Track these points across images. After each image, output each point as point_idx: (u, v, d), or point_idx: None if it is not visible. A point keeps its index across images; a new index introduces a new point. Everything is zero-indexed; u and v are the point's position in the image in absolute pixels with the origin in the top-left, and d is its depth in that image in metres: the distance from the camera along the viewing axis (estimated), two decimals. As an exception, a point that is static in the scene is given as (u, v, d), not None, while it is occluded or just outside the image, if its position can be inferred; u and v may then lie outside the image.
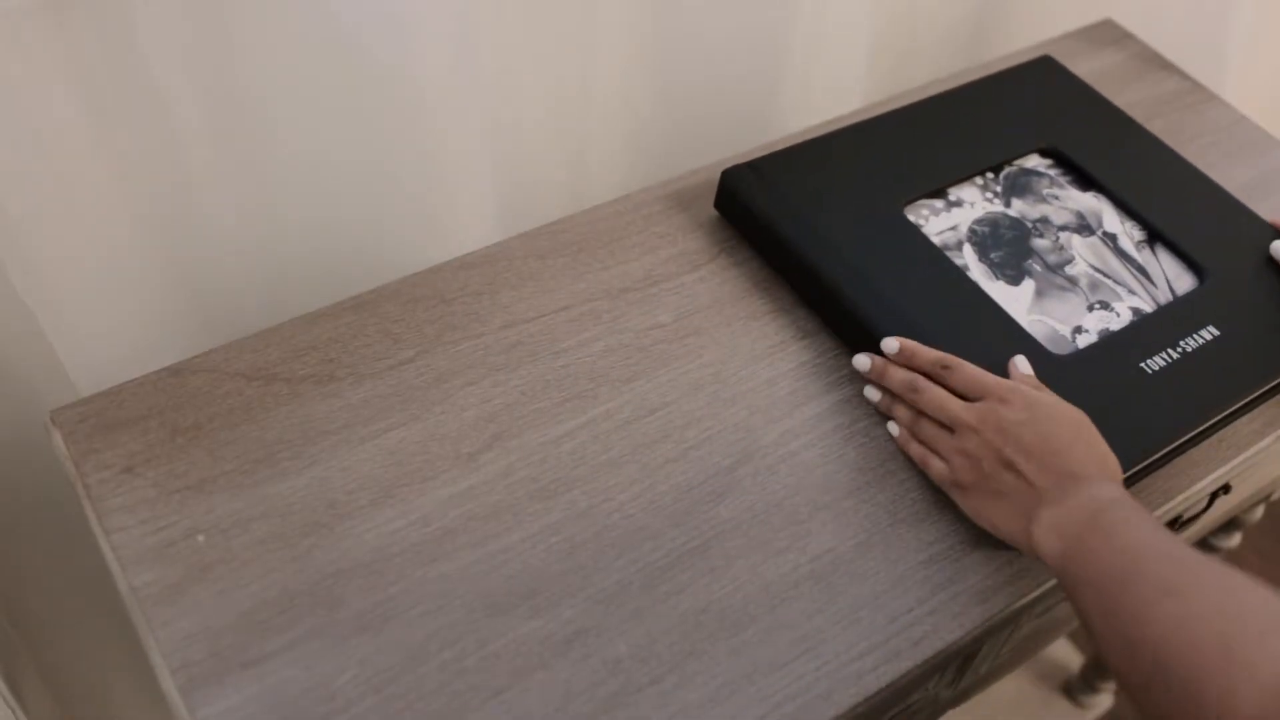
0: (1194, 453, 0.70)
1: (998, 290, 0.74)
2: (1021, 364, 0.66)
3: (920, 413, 0.66)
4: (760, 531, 0.63)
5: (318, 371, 0.67)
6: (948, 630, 0.60)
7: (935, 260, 0.74)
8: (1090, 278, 0.75)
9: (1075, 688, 1.36)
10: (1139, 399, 0.68)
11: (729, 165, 0.78)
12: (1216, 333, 0.71)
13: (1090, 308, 0.73)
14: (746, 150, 0.81)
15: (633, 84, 0.90)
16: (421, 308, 0.71)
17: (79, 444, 0.62)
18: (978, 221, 0.78)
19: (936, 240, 0.76)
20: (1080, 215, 0.79)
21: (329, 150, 0.77)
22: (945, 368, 0.65)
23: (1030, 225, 0.78)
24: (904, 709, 0.67)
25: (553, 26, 0.81)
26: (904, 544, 0.63)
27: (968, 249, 0.76)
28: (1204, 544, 1.12)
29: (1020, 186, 0.80)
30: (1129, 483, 0.66)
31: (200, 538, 0.59)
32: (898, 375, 0.66)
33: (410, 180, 0.82)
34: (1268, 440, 0.72)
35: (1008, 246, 0.77)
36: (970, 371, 0.64)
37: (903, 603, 0.61)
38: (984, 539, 0.64)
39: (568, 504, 0.63)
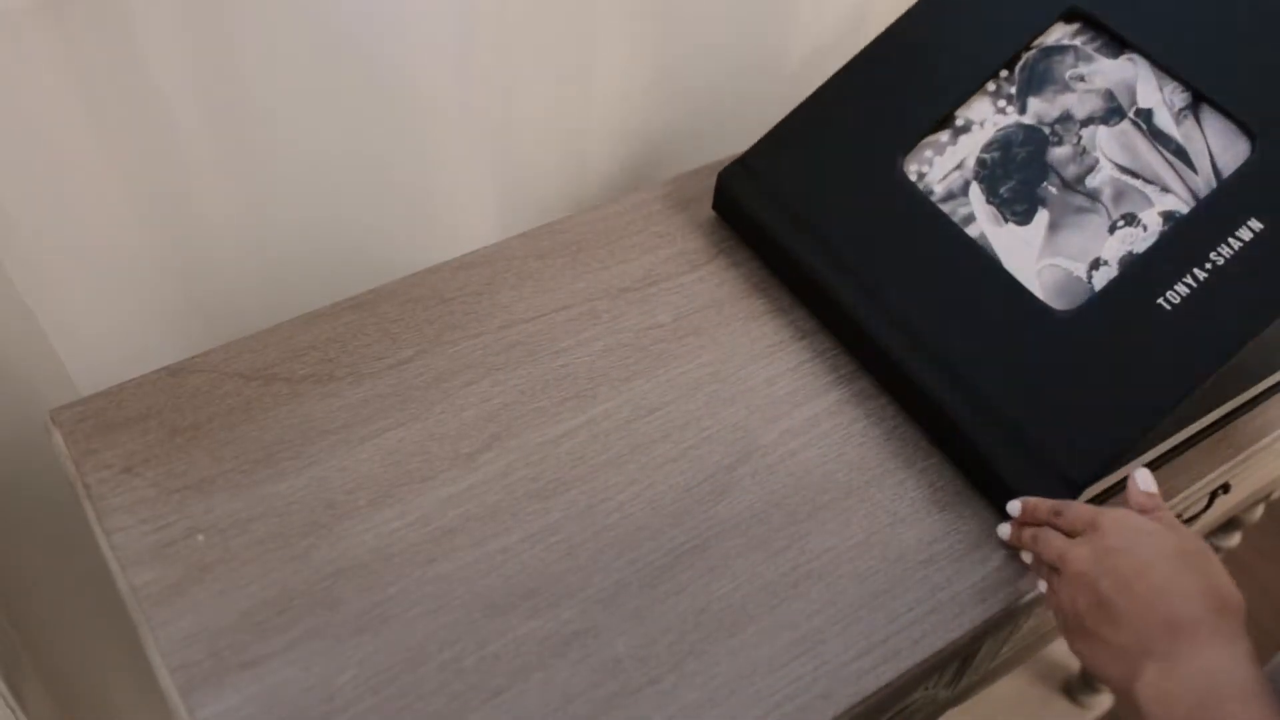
0: (1193, 452, 0.70)
1: (1005, 238, 0.69)
2: (1143, 481, 0.61)
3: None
4: (759, 531, 0.63)
5: (317, 371, 0.67)
6: (947, 630, 0.60)
7: (933, 227, 0.70)
8: (1115, 185, 0.68)
9: (1075, 688, 1.36)
10: (1152, 351, 0.63)
11: (728, 164, 0.78)
12: (1259, 227, 0.63)
13: (1113, 227, 0.67)
14: (747, 150, 0.81)
15: (633, 84, 0.90)
16: (421, 308, 0.71)
17: (79, 444, 0.62)
18: (987, 147, 0.72)
19: (940, 189, 0.72)
20: (1109, 95, 0.69)
21: (329, 150, 0.77)
22: (1056, 514, 0.61)
23: (1048, 131, 0.70)
24: (903, 709, 0.67)
25: (553, 26, 0.81)
26: (904, 544, 0.63)
27: (974, 191, 0.71)
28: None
29: (1040, 76, 0.72)
30: (1135, 454, 0.65)
31: (200, 538, 0.59)
32: (1024, 535, 0.63)
33: (410, 180, 0.82)
34: (1268, 439, 0.72)
35: (1020, 171, 0.70)
36: (1076, 512, 0.60)
37: (903, 603, 0.61)
38: (984, 539, 0.64)
39: (567, 504, 0.63)
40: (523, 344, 0.70)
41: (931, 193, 0.72)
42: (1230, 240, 0.63)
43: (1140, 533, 0.56)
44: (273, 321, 0.70)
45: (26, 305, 0.71)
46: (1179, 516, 0.75)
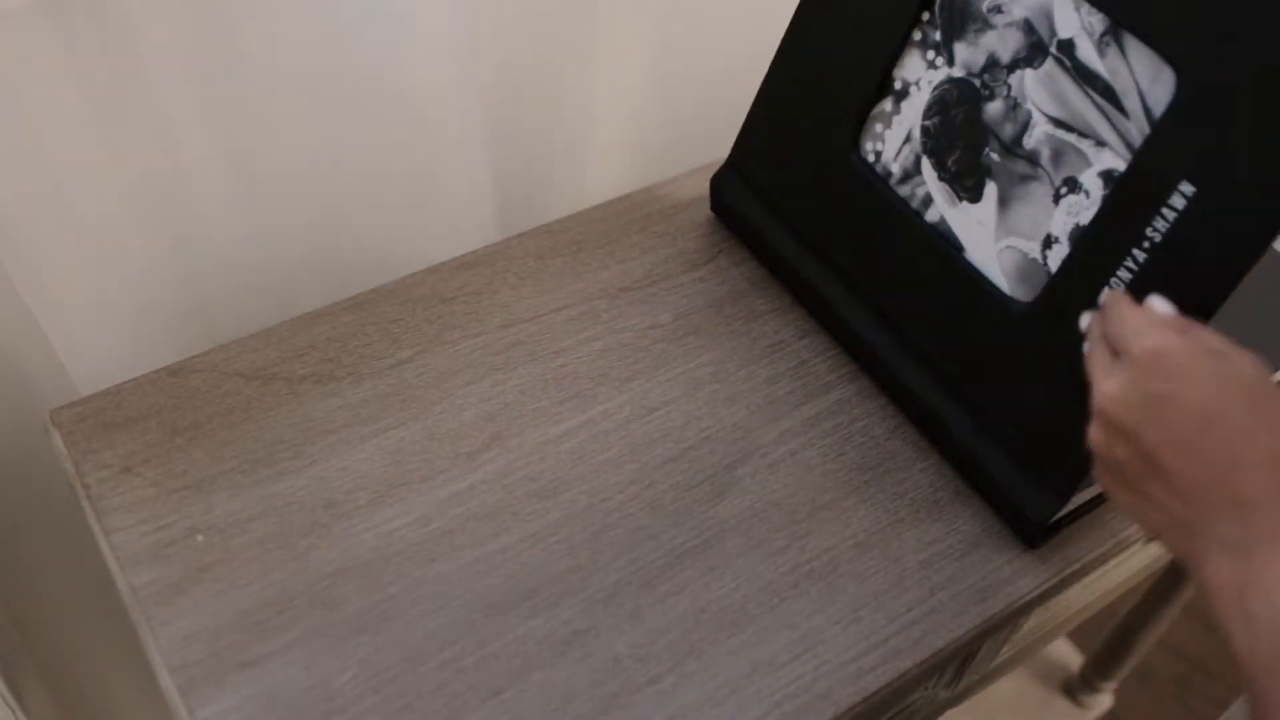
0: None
1: (962, 220, 0.64)
2: (1158, 304, 0.51)
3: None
4: (759, 531, 0.63)
5: (317, 371, 0.67)
6: (947, 630, 0.60)
7: (893, 219, 0.67)
8: (1051, 143, 0.61)
9: (1075, 688, 1.36)
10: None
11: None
12: (1191, 191, 0.54)
13: (1057, 196, 0.61)
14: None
15: (633, 84, 0.90)
16: (421, 307, 0.71)
17: (78, 444, 0.62)
18: (927, 112, 0.66)
19: (896, 169, 0.68)
20: (1028, 26, 0.61)
21: (329, 150, 0.77)
22: (1106, 316, 0.51)
23: (978, 84, 0.63)
24: (903, 708, 0.67)
25: (552, 26, 0.81)
26: (904, 544, 0.63)
27: (926, 167, 0.66)
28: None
29: (959, 13, 0.64)
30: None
31: (199, 537, 0.59)
32: (1090, 328, 0.54)
33: (410, 180, 0.82)
34: (1267, 440, 0.72)
35: (961, 138, 0.65)
36: (1116, 321, 0.49)
37: (903, 602, 0.61)
38: (984, 539, 0.64)
39: (567, 504, 0.63)
40: (523, 344, 0.70)
41: (889, 175, 0.68)
42: (1164, 211, 0.55)
43: (1199, 365, 0.44)
44: (273, 321, 0.70)
45: (26, 305, 0.71)
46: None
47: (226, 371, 0.66)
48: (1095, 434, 0.48)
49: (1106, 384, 0.48)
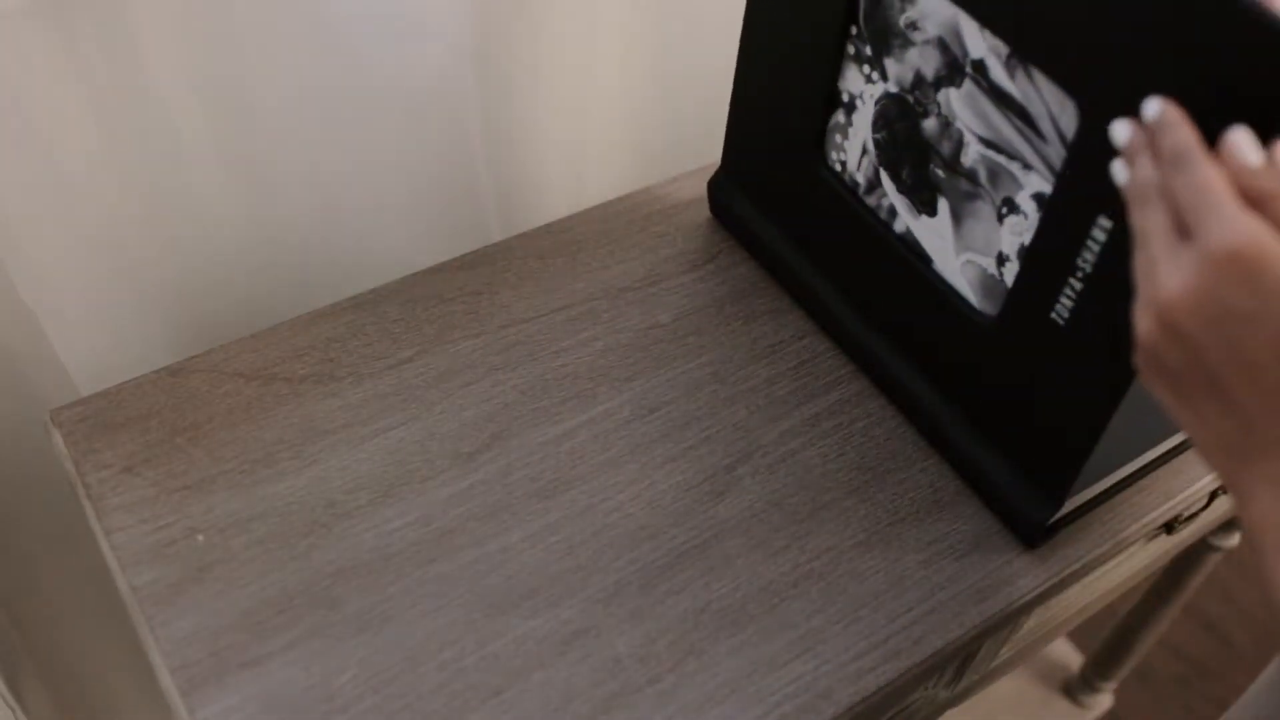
0: (1194, 451, 0.70)
1: (925, 231, 0.63)
2: (1249, 153, 0.41)
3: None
4: (760, 531, 0.63)
5: (317, 371, 0.67)
6: (947, 630, 0.60)
7: (863, 229, 0.67)
8: (986, 163, 0.58)
9: (1075, 688, 1.36)
10: (1064, 370, 0.55)
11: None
12: (1109, 226, 0.52)
13: (1000, 215, 0.59)
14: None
15: (633, 84, 0.90)
16: (421, 307, 0.71)
17: (79, 444, 0.62)
18: (874, 126, 0.64)
19: (860, 180, 0.66)
20: (943, 44, 0.58)
21: (329, 150, 0.77)
22: (1174, 168, 0.42)
23: (912, 100, 0.61)
24: (903, 708, 0.67)
25: (552, 26, 0.81)
26: (904, 544, 0.63)
27: (885, 180, 0.65)
28: (1204, 543, 1.12)
29: (881, 28, 0.61)
30: (1118, 461, 0.62)
31: (200, 537, 0.59)
32: (1135, 173, 0.45)
33: (410, 180, 0.82)
34: (1267, 440, 0.72)
35: (908, 153, 0.63)
36: (1191, 182, 0.41)
37: (903, 602, 0.61)
38: (984, 539, 0.64)
39: (567, 503, 0.63)
40: (523, 344, 0.70)
41: (856, 185, 0.67)
42: (1089, 243, 0.53)
43: (1239, 300, 0.38)
44: (273, 321, 0.70)
45: (26, 305, 0.71)
46: (1177, 518, 0.75)
47: (226, 371, 0.66)
48: (1148, 331, 0.41)
49: (1173, 280, 0.39)
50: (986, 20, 0.55)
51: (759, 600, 0.60)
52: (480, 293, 0.72)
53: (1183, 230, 0.41)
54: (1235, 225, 0.39)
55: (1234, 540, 1.13)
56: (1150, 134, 0.44)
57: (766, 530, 0.63)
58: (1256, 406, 0.39)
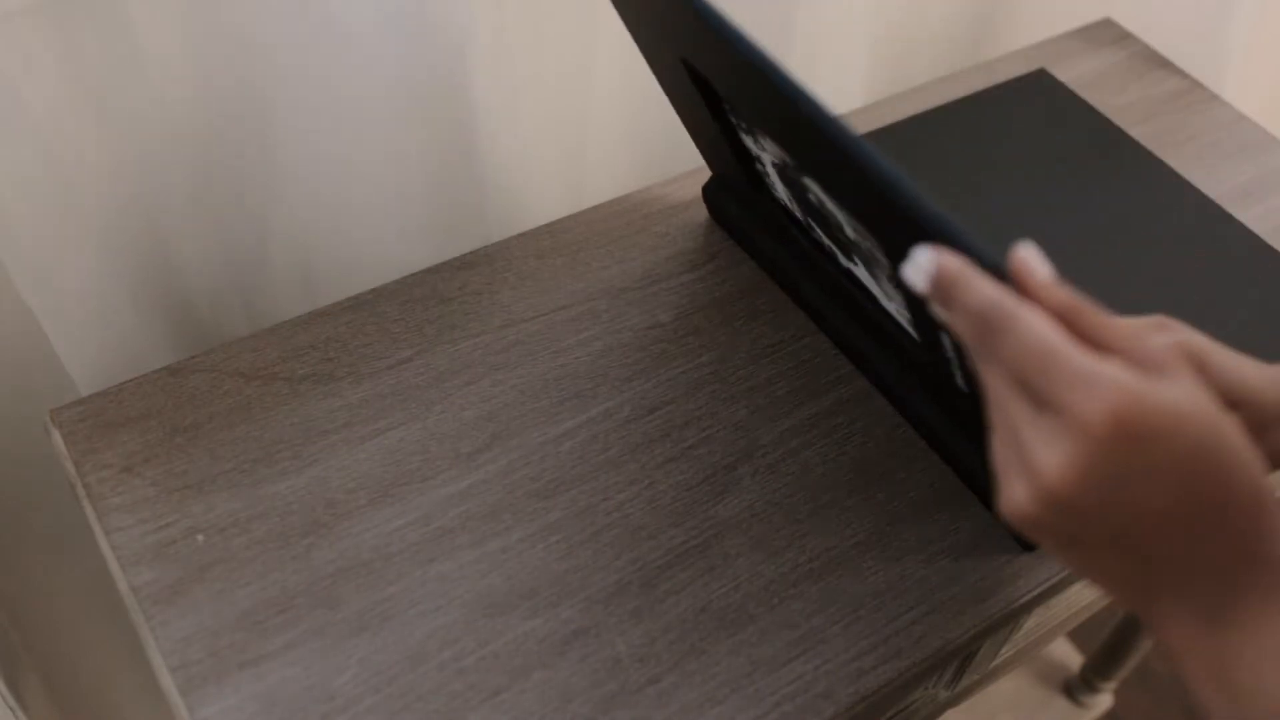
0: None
1: (860, 273, 0.62)
2: (1023, 259, 0.38)
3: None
4: (760, 530, 0.63)
5: (317, 371, 0.67)
6: (947, 630, 0.60)
7: (817, 254, 0.67)
8: (857, 236, 0.57)
9: (1075, 687, 1.36)
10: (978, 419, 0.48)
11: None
12: (956, 346, 0.50)
13: (891, 277, 0.56)
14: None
15: (633, 83, 0.90)
16: (421, 307, 0.71)
17: (79, 443, 0.62)
18: (779, 180, 0.63)
19: (802, 219, 0.66)
20: None
21: (329, 149, 0.77)
22: (989, 332, 0.38)
23: (784, 164, 0.60)
24: (903, 708, 0.67)
25: (552, 26, 0.81)
26: (904, 544, 0.63)
27: (814, 225, 0.64)
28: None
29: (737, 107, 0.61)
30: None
31: (200, 537, 0.59)
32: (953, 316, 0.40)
33: (410, 179, 0.82)
34: (1267, 439, 0.72)
35: (812, 212, 0.62)
36: (1028, 348, 0.36)
37: (903, 602, 0.61)
38: (984, 539, 0.64)
39: (567, 503, 0.63)
40: (523, 343, 0.70)
41: (799, 221, 0.67)
42: (946, 352, 0.52)
43: (1176, 423, 0.35)
44: (273, 321, 0.70)
45: (26, 305, 0.71)
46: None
47: (226, 371, 0.66)
48: (1029, 506, 0.37)
49: (1051, 460, 0.36)
50: (788, 149, 0.55)
51: (759, 600, 0.60)
52: (480, 293, 0.72)
53: (1035, 397, 0.37)
54: (1097, 390, 0.35)
55: (1234, 540, 1.13)
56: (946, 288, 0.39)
57: (766, 530, 0.63)
58: (1163, 550, 0.37)
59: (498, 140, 0.85)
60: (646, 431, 0.66)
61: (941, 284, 0.38)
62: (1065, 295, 0.38)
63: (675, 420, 0.67)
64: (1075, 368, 0.35)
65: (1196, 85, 0.94)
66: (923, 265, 0.39)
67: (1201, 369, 0.45)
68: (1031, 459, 0.36)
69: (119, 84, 0.66)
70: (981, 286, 0.37)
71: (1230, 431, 0.36)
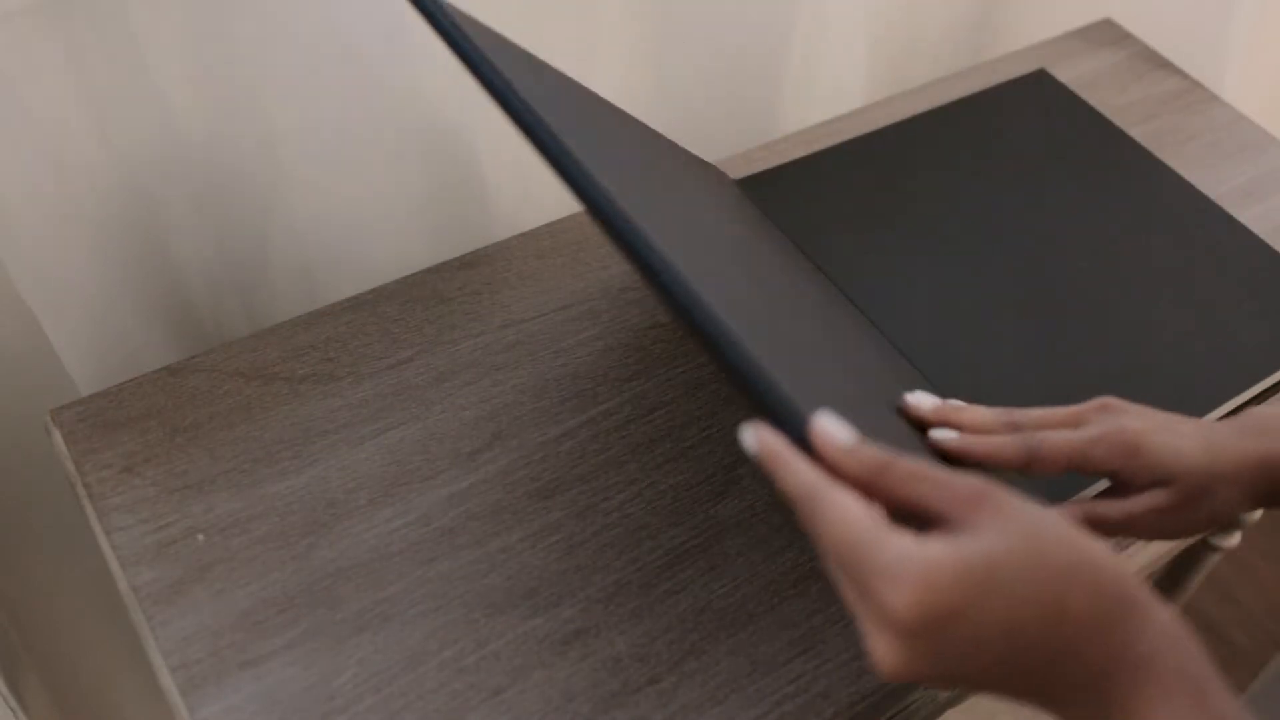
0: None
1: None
2: (834, 434, 0.39)
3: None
4: (759, 530, 0.63)
5: (317, 371, 0.67)
6: (947, 629, 0.60)
7: None
8: None
9: (1076, 688, 1.36)
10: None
11: (730, 161, 0.78)
12: None
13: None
14: (747, 149, 0.81)
15: (633, 83, 0.90)
16: (421, 307, 0.71)
17: (79, 443, 0.62)
18: None
19: None
20: None
21: (328, 150, 0.77)
22: (803, 513, 0.39)
23: None
24: (903, 708, 0.67)
25: (552, 26, 0.81)
26: (903, 543, 0.63)
27: None
28: (1204, 543, 1.12)
29: None
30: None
31: (200, 537, 0.59)
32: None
33: (410, 180, 0.82)
34: (1267, 439, 0.72)
35: None
36: (836, 539, 0.37)
37: (902, 602, 0.61)
38: (983, 538, 0.64)
39: (567, 503, 0.63)
40: (523, 343, 0.70)
41: None
42: None
43: (954, 634, 0.36)
44: (273, 321, 0.70)
45: (26, 305, 0.71)
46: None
47: (226, 371, 0.66)
48: (891, 671, 0.38)
49: (879, 645, 0.37)
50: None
51: (759, 600, 0.60)
52: (480, 293, 0.72)
53: (854, 581, 0.38)
54: (900, 582, 0.35)
55: (1234, 540, 1.13)
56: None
57: (766, 530, 0.63)
58: (1035, 674, 0.38)
59: (498, 140, 0.85)
60: (646, 431, 0.66)
61: (764, 461, 0.39)
62: (869, 456, 0.39)
63: (675, 420, 0.67)
64: (876, 562, 0.36)
65: (1196, 85, 0.94)
66: (749, 440, 0.40)
67: (1134, 455, 0.49)
68: (867, 639, 0.38)
69: (119, 84, 0.66)
70: (795, 470, 0.38)
71: (1059, 549, 0.38)
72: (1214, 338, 0.72)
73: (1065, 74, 0.92)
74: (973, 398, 0.59)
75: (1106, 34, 0.98)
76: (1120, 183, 0.83)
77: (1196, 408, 0.68)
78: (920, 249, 0.76)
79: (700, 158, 0.72)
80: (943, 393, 0.60)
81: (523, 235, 0.76)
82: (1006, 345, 0.70)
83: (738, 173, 0.80)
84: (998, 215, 0.79)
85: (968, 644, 0.36)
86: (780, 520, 0.63)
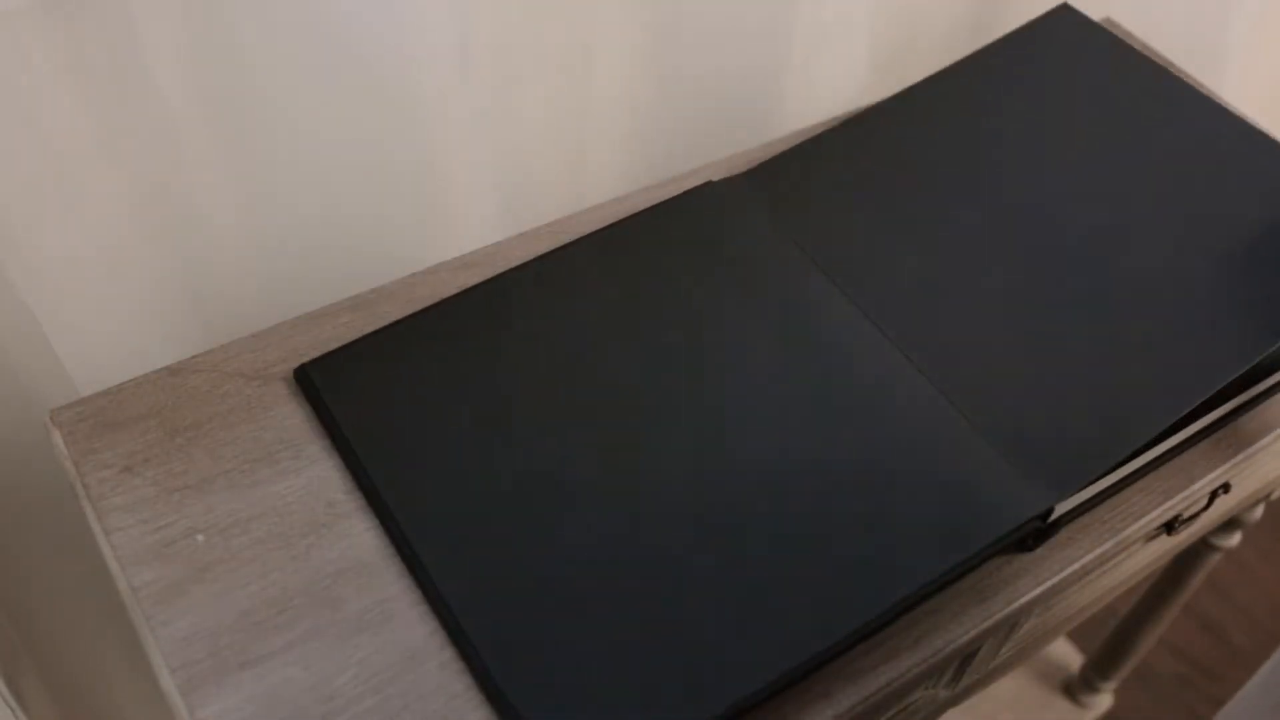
0: (1193, 452, 0.70)
1: None
2: None
3: None
4: (760, 531, 0.62)
5: (317, 371, 0.67)
6: (948, 630, 0.60)
7: None
8: None
9: (1075, 687, 1.36)
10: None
11: (730, 161, 0.78)
12: None
13: None
14: (746, 149, 0.81)
15: (633, 84, 0.90)
16: (420, 307, 0.71)
17: (78, 443, 0.62)
18: None
19: None
20: None
21: (329, 150, 0.77)
22: None
23: None
24: (903, 708, 0.67)
25: (552, 26, 0.81)
26: (903, 543, 0.63)
27: None
28: (1204, 543, 1.12)
29: None
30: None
31: (200, 537, 0.59)
32: None
33: (410, 180, 0.82)
34: (1267, 439, 0.72)
35: None
36: None
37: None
38: (983, 538, 0.64)
39: (567, 503, 0.62)
40: (523, 344, 0.70)
41: None
42: None
43: None
44: (273, 321, 0.69)
45: (26, 305, 0.71)
46: (1177, 518, 0.75)
47: (226, 371, 0.66)
48: None
49: None
50: None
51: (759, 600, 0.60)
52: (480, 293, 0.72)
53: None
54: None
55: (1234, 540, 1.13)
56: None
57: (766, 530, 0.63)
58: None
59: (497, 141, 0.85)
60: (646, 431, 0.66)
61: None
62: None
63: (675, 420, 0.67)
64: None
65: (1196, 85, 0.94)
66: None
67: None
68: None
69: (119, 83, 0.66)
70: None
71: None
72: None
73: (1065, 74, 0.91)
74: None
75: (1107, 34, 0.98)
76: (1172, 122, 0.77)
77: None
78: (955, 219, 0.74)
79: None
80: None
81: (522, 235, 0.76)
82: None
83: (738, 173, 0.80)
84: (1060, 169, 0.76)
85: None
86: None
